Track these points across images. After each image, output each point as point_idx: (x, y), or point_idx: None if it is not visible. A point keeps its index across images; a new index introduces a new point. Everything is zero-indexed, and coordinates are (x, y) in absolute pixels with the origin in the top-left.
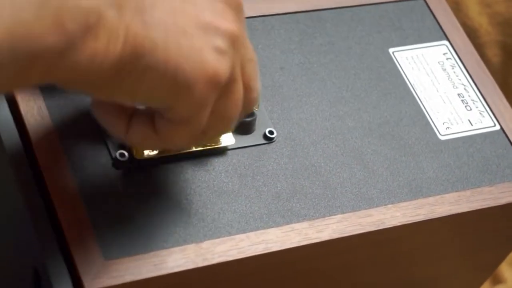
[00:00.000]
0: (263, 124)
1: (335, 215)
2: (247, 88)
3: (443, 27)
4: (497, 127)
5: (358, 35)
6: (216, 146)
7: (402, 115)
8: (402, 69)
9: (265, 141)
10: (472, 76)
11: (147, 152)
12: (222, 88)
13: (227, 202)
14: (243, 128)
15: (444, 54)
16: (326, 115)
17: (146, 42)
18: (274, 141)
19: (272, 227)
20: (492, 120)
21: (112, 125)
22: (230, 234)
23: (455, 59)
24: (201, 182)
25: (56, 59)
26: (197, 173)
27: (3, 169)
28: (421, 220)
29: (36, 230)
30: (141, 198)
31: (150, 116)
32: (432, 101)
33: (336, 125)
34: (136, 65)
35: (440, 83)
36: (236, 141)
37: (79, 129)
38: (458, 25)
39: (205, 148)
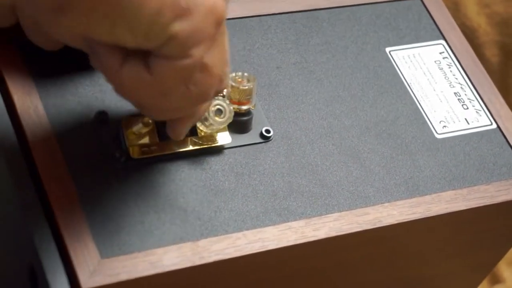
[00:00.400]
0: (260, 123)
1: (331, 213)
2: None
3: (440, 26)
4: (494, 126)
5: (355, 35)
6: (212, 145)
7: (399, 113)
8: (398, 68)
9: (261, 140)
10: (469, 75)
11: (143, 152)
12: (216, 33)
13: (223, 201)
14: (240, 127)
15: (440, 53)
16: (322, 114)
17: None
18: (270, 140)
19: (269, 225)
20: (489, 119)
21: (105, 58)
22: (226, 232)
23: (451, 58)
24: (198, 181)
25: None
26: (193, 172)
27: (1, 171)
28: (417, 218)
29: (32, 229)
30: (137, 196)
31: (145, 59)
32: (428, 100)
33: (332, 124)
34: None
35: (437, 82)
36: (232, 140)
37: (76, 127)
38: (455, 24)
39: (202, 147)
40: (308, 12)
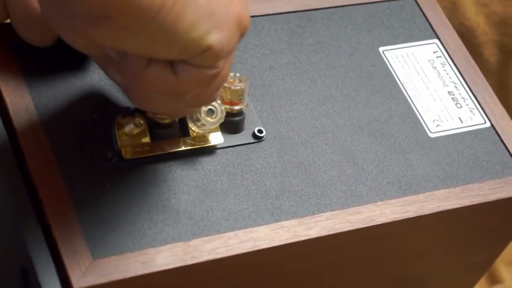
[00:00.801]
0: (252, 123)
1: (324, 212)
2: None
3: (433, 25)
4: (488, 124)
5: (348, 35)
6: (205, 145)
7: (392, 113)
8: (392, 68)
9: (254, 140)
10: (463, 74)
11: (135, 152)
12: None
13: (216, 201)
14: (232, 127)
15: (434, 52)
16: (315, 113)
17: None
18: (263, 140)
19: (261, 224)
20: (483, 117)
21: (131, 59)
22: (218, 232)
23: (445, 57)
24: (190, 181)
25: None
26: (186, 172)
27: None
28: (410, 217)
29: (24, 230)
30: (129, 197)
31: (169, 62)
32: (422, 99)
33: (325, 124)
34: None
35: (431, 81)
36: (225, 140)
37: (68, 129)
38: (449, 23)
39: (194, 147)
40: (301, 13)
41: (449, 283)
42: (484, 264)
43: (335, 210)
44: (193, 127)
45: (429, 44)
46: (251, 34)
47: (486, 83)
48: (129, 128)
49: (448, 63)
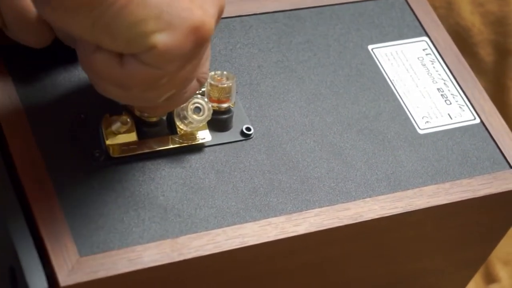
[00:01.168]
0: (240, 121)
1: (312, 209)
2: (207, 56)
3: (423, 23)
4: (477, 121)
5: (337, 33)
6: (192, 143)
7: (381, 110)
8: (381, 65)
9: (242, 138)
10: (452, 71)
11: (122, 151)
12: (196, 52)
13: (203, 198)
14: (220, 125)
15: (423, 50)
16: (304, 111)
17: None
18: (251, 138)
19: (249, 221)
20: (472, 114)
21: (81, 42)
22: (206, 229)
23: (434, 54)
24: (178, 179)
25: None
26: (173, 170)
27: None
28: (399, 212)
29: (11, 228)
30: (117, 195)
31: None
32: (411, 96)
33: (314, 121)
34: None
35: (420, 78)
36: (213, 138)
37: (55, 128)
38: (438, 21)
39: (181, 145)
40: (290, 12)
41: (442, 280)
42: (477, 261)
43: (323, 207)
44: (180, 125)
45: (419, 41)
46: (240, 33)
47: (476, 79)
48: (116, 126)
49: (438, 60)
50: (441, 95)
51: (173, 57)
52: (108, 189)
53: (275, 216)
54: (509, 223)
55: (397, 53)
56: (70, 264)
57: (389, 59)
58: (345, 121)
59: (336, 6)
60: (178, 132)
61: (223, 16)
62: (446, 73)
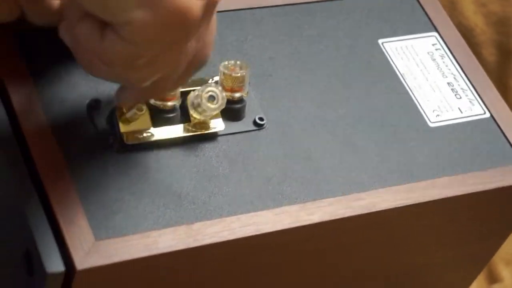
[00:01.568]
0: (253, 111)
1: (326, 198)
2: (204, 44)
3: (432, 19)
4: (487, 115)
5: (348, 27)
6: (206, 132)
7: (392, 103)
8: (391, 59)
9: (255, 128)
10: (462, 66)
11: (137, 138)
12: (178, 39)
13: (217, 186)
14: (233, 114)
15: (433, 45)
16: (316, 103)
17: None
18: (264, 128)
19: (263, 209)
20: (482, 108)
21: (68, 9)
22: (221, 216)
23: (444, 49)
24: (192, 167)
25: None
26: (187, 158)
27: None
28: (412, 203)
29: (28, 212)
30: (131, 181)
31: (102, 25)
32: (421, 90)
33: (326, 113)
34: None
35: (430, 72)
36: (226, 127)
37: (70, 115)
38: (447, 17)
39: (195, 133)
40: (300, 5)
41: (448, 275)
42: (483, 257)
43: (337, 196)
44: (194, 114)
45: (428, 36)
46: (251, 25)
47: (485, 74)
48: (131, 113)
49: (447, 55)
50: (451, 89)
51: (151, 36)
52: (122, 175)
53: (289, 204)
54: None
55: (407, 48)
56: (86, 248)
57: (399, 53)
58: (357, 113)
59: (345, 1)
60: (192, 120)
61: (234, 8)
62: (456, 68)
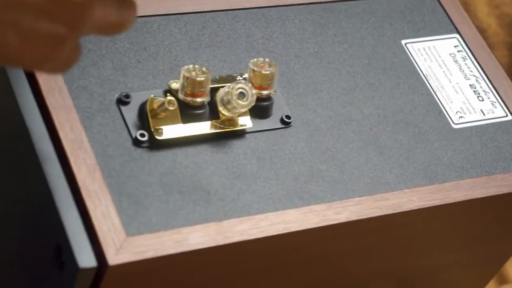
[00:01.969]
0: (280, 109)
1: (352, 198)
2: None
3: (454, 20)
4: (509, 117)
5: (371, 27)
6: (234, 129)
7: (416, 103)
8: (414, 60)
9: (282, 126)
10: (484, 68)
11: (167, 133)
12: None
13: (246, 183)
14: (261, 112)
15: (455, 46)
16: (341, 102)
17: None
18: (291, 126)
19: (291, 208)
20: (504, 111)
21: None
22: (249, 214)
23: (466, 51)
24: (220, 164)
25: None
26: (215, 154)
27: (29, 151)
28: (437, 204)
29: (59, 207)
30: (161, 177)
31: None
32: (444, 91)
33: (351, 112)
34: None
35: (452, 74)
36: (253, 124)
37: (100, 110)
38: (468, 18)
39: (223, 130)
40: (324, 4)
41: (466, 275)
42: (500, 258)
43: (363, 196)
44: (223, 110)
45: (450, 38)
46: (277, 23)
47: (507, 77)
48: (161, 109)
49: (469, 57)
50: (474, 91)
51: None
52: (152, 171)
53: (317, 203)
54: None
55: (429, 49)
56: (118, 243)
57: (422, 54)
58: (382, 113)
59: (369, 1)
60: (220, 117)
61: (261, 6)
62: (478, 70)
